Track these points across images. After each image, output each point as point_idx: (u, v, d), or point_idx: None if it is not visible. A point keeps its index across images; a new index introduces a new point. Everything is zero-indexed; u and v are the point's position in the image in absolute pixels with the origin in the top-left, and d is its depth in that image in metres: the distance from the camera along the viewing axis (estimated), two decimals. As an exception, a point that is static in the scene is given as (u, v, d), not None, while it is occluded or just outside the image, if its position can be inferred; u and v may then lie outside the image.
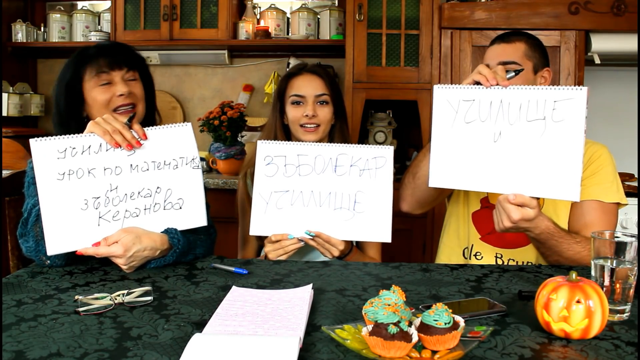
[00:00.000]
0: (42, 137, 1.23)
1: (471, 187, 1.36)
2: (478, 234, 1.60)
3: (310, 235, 1.41)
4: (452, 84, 2.59)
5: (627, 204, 1.53)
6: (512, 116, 1.29)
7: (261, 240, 1.57)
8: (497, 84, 1.30)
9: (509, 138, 1.29)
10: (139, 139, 1.28)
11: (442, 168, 1.36)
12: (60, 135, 1.24)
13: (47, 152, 1.21)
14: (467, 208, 1.64)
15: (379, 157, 1.44)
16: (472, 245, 1.61)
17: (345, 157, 1.45)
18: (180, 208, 1.33)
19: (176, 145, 1.33)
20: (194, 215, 1.35)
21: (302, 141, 1.58)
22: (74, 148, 1.23)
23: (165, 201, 1.31)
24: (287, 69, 1.70)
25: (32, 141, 1.21)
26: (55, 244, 1.21)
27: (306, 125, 1.60)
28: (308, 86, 1.63)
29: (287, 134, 1.67)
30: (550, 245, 1.35)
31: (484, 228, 1.60)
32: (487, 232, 1.59)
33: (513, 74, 1.41)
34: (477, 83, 1.33)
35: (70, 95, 1.39)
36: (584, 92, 1.23)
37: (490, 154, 1.31)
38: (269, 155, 1.45)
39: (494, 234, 1.57)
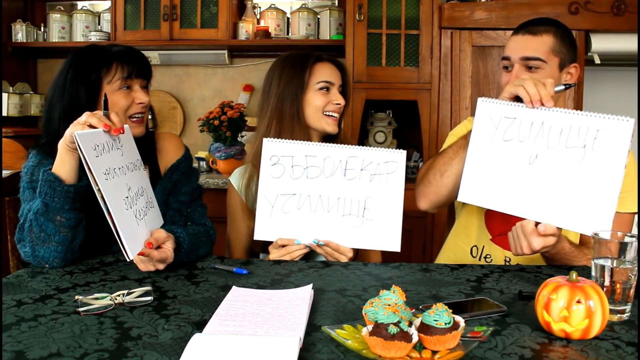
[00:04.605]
0: (39, 137, 1.18)
1: (499, 208, 1.30)
2: (489, 235, 1.58)
3: (319, 244, 1.37)
4: (452, 84, 2.63)
5: None
6: (552, 140, 1.23)
7: (257, 247, 1.53)
8: (542, 105, 1.24)
9: (544, 162, 1.24)
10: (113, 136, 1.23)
11: (474, 184, 1.31)
12: (60, 132, 1.21)
13: (91, 146, 1.12)
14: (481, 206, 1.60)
15: (391, 161, 1.38)
16: (484, 246, 1.59)
17: (356, 160, 1.39)
18: (153, 207, 1.33)
19: (133, 146, 1.31)
20: (159, 215, 1.36)
21: (324, 131, 1.55)
22: (98, 145, 1.16)
23: (147, 201, 1.31)
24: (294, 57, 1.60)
25: (77, 133, 1.10)
26: (132, 247, 1.14)
27: (333, 114, 1.55)
28: (335, 74, 1.57)
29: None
30: (562, 262, 1.34)
31: (495, 228, 1.57)
32: (498, 233, 1.56)
33: (563, 87, 1.35)
34: (519, 99, 1.28)
35: (90, 92, 1.36)
36: (630, 124, 1.17)
37: (523, 176, 1.26)
38: (275, 155, 1.39)
39: (505, 235, 1.55)
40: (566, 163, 1.22)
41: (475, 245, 1.60)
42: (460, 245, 1.64)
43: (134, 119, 1.40)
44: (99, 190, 1.10)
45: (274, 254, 1.39)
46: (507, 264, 1.55)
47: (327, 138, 1.59)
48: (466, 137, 1.39)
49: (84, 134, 1.12)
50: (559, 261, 1.35)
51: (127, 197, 1.20)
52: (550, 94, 1.25)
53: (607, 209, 1.18)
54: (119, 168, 1.21)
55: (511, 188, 1.27)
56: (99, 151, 1.15)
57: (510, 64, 1.49)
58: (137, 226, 1.20)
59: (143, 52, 1.46)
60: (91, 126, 1.17)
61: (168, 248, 1.23)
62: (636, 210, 1.47)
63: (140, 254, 1.19)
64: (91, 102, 1.36)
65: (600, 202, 1.18)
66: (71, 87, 1.35)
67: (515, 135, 1.27)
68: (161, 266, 1.22)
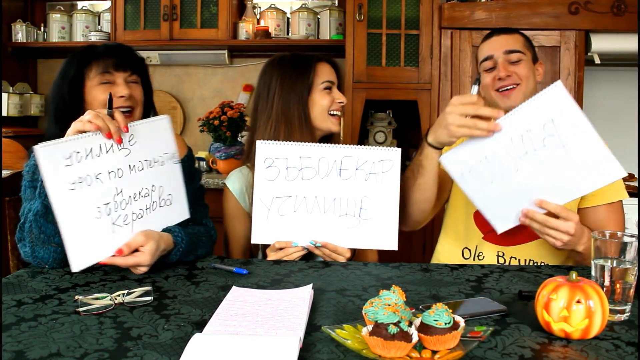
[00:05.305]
0: (41, 137, 1.15)
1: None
2: (481, 233, 1.59)
3: (316, 246, 1.37)
4: (452, 84, 2.63)
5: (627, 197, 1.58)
6: (520, 149, 1.28)
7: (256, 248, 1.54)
8: (494, 128, 1.28)
9: (526, 169, 1.28)
10: (122, 134, 1.23)
11: (501, 214, 1.36)
12: (55, 132, 1.22)
13: (54, 159, 1.13)
14: (467, 208, 1.62)
15: (386, 160, 1.39)
16: (477, 246, 1.60)
17: (351, 160, 1.38)
18: (171, 204, 1.33)
19: (160, 140, 1.31)
20: (180, 209, 1.35)
21: (329, 131, 1.54)
22: (78, 152, 1.16)
23: (160, 198, 1.31)
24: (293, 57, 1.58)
25: (37, 147, 1.11)
26: (79, 260, 1.15)
27: (337, 113, 1.55)
28: (333, 73, 1.57)
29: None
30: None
31: (486, 226, 1.57)
32: (489, 230, 1.57)
33: (476, 88, 1.40)
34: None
35: (73, 91, 1.38)
36: (559, 85, 1.24)
37: (515, 185, 1.30)
38: (270, 157, 1.38)
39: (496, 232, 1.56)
40: (546, 158, 1.27)
41: (467, 247, 1.62)
42: (452, 250, 1.65)
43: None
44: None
45: (272, 257, 1.39)
46: (500, 258, 1.57)
47: (322, 138, 1.58)
48: (413, 170, 1.48)
49: (50, 146, 1.11)
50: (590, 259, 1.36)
51: (106, 204, 1.19)
52: (476, 101, 1.31)
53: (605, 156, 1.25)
54: (111, 172, 1.21)
55: (516, 199, 1.32)
56: (79, 157, 1.15)
57: (493, 62, 1.58)
58: (112, 234, 1.20)
59: (143, 52, 1.47)
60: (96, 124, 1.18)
61: (145, 251, 1.20)
62: (625, 197, 1.53)
63: (102, 263, 1.18)
64: (75, 101, 1.37)
65: (596, 157, 1.25)
66: (60, 87, 1.38)
67: (497, 162, 1.31)
68: (140, 270, 1.21)
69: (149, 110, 1.50)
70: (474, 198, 1.37)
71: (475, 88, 1.38)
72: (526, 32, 2.22)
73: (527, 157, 1.27)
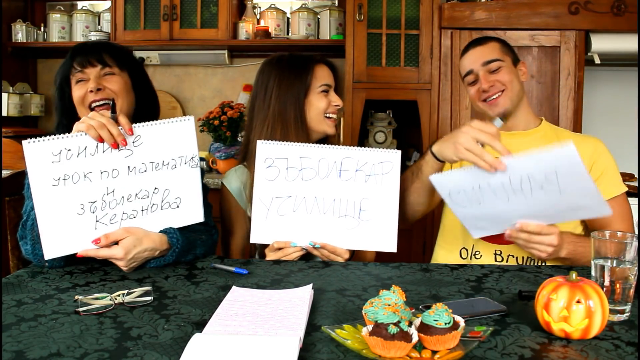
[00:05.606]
0: (38, 137, 1.18)
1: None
2: None
3: (315, 247, 1.37)
4: (452, 84, 2.63)
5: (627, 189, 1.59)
6: (517, 188, 1.27)
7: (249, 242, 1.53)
8: (497, 168, 1.26)
9: (518, 201, 1.28)
10: (125, 136, 1.23)
11: (480, 226, 1.39)
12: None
13: (41, 155, 1.16)
14: None
15: (386, 161, 1.39)
16: (473, 245, 1.61)
17: (351, 161, 1.39)
18: (178, 207, 1.32)
19: (176, 143, 1.29)
20: (190, 212, 1.35)
21: (325, 133, 1.54)
22: (69, 150, 1.18)
23: (162, 201, 1.30)
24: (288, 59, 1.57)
25: (25, 143, 1.15)
26: (52, 249, 1.19)
27: (333, 116, 1.55)
28: (331, 76, 1.57)
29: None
30: (580, 261, 1.40)
31: None
32: None
33: (500, 121, 1.41)
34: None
35: (62, 96, 1.43)
36: (571, 147, 1.19)
37: (503, 212, 1.32)
38: (270, 157, 1.38)
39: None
40: (542, 194, 1.26)
41: (464, 247, 1.62)
42: (450, 250, 1.66)
43: (98, 108, 1.38)
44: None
45: (271, 257, 1.39)
46: (497, 256, 1.57)
47: (318, 140, 1.57)
48: (412, 172, 1.51)
49: (37, 143, 1.16)
50: (579, 261, 1.39)
51: (92, 202, 1.21)
52: (494, 132, 1.30)
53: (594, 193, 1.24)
54: (103, 171, 1.22)
55: (506, 217, 1.34)
56: (70, 155, 1.18)
57: (474, 76, 1.61)
58: (94, 230, 1.22)
59: (143, 52, 1.48)
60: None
61: (123, 245, 1.21)
62: (624, 189, 1.55)
63: (79, 256, 1.21)
64: (62, 105, 1.41)
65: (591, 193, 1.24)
66: (55, 93, 1.43)
67: (487, 186, 1.31)
68: (119, 264, 1.22)
69: (152, 103, 1.51)
70: (457, 212, 1.39)
71: (499, 122, 1.39)
72: (526, 32, 2.22)
73: (521, 193, 1.27)
